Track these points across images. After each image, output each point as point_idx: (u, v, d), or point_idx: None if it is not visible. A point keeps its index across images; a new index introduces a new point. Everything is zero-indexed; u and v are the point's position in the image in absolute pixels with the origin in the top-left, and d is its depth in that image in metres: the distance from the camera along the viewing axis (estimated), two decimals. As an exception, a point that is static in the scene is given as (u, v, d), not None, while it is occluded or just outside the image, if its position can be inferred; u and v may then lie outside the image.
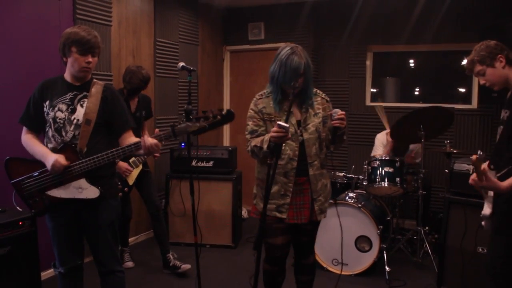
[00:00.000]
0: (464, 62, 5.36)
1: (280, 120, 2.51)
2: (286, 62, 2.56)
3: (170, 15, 5.26)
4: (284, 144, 2.59)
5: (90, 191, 2.49)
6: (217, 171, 4.75)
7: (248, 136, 2.73)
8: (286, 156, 2.65)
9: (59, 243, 2.60)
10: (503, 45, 2.55)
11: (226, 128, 6.62)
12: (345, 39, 5.80)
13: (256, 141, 2.62)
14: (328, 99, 2.83)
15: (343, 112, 2.56)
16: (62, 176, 2.46)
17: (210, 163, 4.76)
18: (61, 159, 2.42)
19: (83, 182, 2.48)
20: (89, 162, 2.45)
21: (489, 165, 2.41)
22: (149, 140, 2.42)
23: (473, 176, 2.30)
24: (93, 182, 2.50)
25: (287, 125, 2.37)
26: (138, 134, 3.60)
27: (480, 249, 3.33)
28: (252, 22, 6.27)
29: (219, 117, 2.41)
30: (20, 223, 2.94)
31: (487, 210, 2.55)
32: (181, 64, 3.43)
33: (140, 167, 3.97)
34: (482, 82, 2.61)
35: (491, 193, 2.52)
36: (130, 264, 4.21)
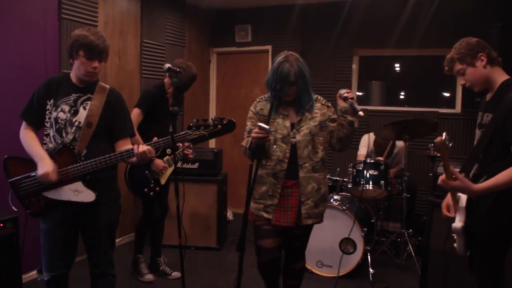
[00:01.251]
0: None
1: (261, 122, 2.54)
2: (277, 69, 2.62)
3: (157, 16, 5.24)
4: (274, 146, 2.65)
5: (85, 195, 2.45)
6: (202, 173, 4.74)
7: (245, 135, 2.79)
8: (276, 157, 2.68)
9: (50, 247, 2.54)
10: (485, 43, 2.41)
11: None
12: (332, 42, 5.83)
13: (244, 142, 2.69)
14: (330, 104, 2.83)
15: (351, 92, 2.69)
16: (56, 181, 2.43)
17: (196, 165, 4.75)
18: (53, 174, 2.38)
19: (79, 185, 2.45)
20: (85, 166, 2.41)
21: (460, 172, 2.32)
22: (142, 147, 2.41)
23: (443, 176, 2.15)
24: (90, 185, 2.46)
25: (268, 127, 2.39)
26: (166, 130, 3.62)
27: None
28: (239, 24, 6.27)
29: (219, 126, 2.41)
30: (1, 224, 2.90)
31: (458, 223, 2.35)
32: (167, 65, 3.43)
33: (173, 167, 3.81)
34: (461, 82, 2.48)
35: (463, 204, 2.35)
36: (150, 277, 3.89)
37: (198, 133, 2.40)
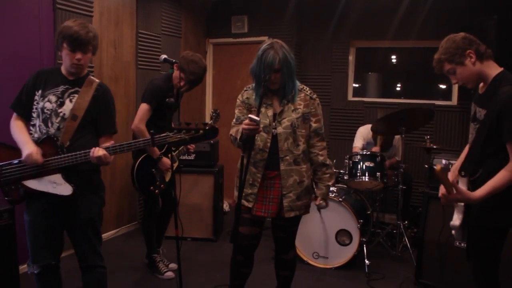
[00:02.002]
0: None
1: (251, 114, 2.54)
2: (261, 57, 2.59)
3: (153, 6, 5.20)
4: (257, 135, 2.63)
5: (63, 188, 2.44)
6: (199, 164, 4.73)
7: (233, 122, 2.78)
8: (256, 146, 2.67)
9: (34, 238, 2.54)
10: (472, 37, 2.34)
11: (208, 121, 6.59)
12: (328, 34, 5.81)
13: (233, 130, 2.69)
14: (315, 96, 2.78)
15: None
16: (40, 168, 2.42)
17: (192, 156, 4.74)
18: (36, 155, 2.37)
19: (58, 177, 2.43)
20: (65, 159, 2.40)
21: (459, 172, 2.34)
22: (99, 151, 2.38)
23: (442, 190, 2.13)
24: (69, 177, 2.45)
25: (258, 118, 2.39)
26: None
27: (457, 243, 3.39)
28: (236, 15, 6.23)
29: (201, 131, 2.39)
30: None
31: (456, 221, 2.38)
32: (163, 56, 3.40)
33: (177, 163, 3.80)
34: (454, 81, 2.43)
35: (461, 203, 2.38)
36: (170, 274, 3.82)
37: (179, 136, 2.38)
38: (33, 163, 2.37)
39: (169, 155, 3.56)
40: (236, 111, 2.82)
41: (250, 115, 2.41)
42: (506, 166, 2.16)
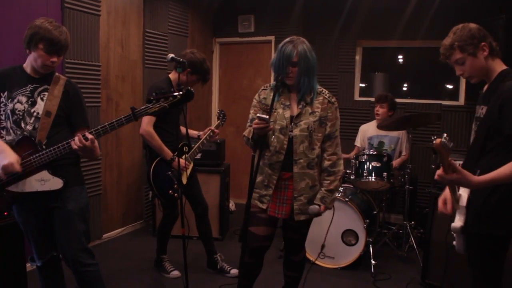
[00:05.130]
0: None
1: (261, 113, 2.53)
2: (280, 49, 2.62)
3: (160, 5, 5.21)
4: (273, 136, 2.63)
5: (53, 183, 2.43)
6: (205, 164, 4.73)
7: (248, 124, 2.77)
8: (273, 148, 2.66)
9: (34, 237, 2.56)
10: (485, 31, 2.23)
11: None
12: (335, 33, 5.80)
13: (246, 131, 2.68)
14: (333, 100, 2.74)
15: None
16: (21, 172, 2.37)
17: (198, 156, 4.73)
18: (16, 164, 2.31)
19: (45, 174, 2.42)
20: (48, 154, 2.37)
21: None
22: (78, 142, 2.31)
23: (439, 170, 1.95)
24: (55, 172, 2.44)
25: (267, 117, 2.39)
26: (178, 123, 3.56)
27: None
28: (242, 14, 6.24)
29: (178, 96, 2.36)
30: (5, 213, 2.91)
31: (458, 223, 2.22)
32: (171, 55, 3.39)
33: (192, 164, 3.72)
34: (458, 72, 2.30)
35: (463, 203, 2.22)
36: (176, 273, 3.82)
37: (158, 105, 2.35)
38: (11, 173, 2.33)
39: (183, 156, 3.46)
40: (251, 111, 2.79)
41: (258, 114, 2.41)
42: None
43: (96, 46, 4.31)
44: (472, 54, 2.21)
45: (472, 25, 2.24)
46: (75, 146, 2.32)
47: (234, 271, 3.84)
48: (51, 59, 2.43)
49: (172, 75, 3.61)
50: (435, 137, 1.83)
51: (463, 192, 2.24)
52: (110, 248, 4.46)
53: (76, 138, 2.32)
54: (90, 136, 2.32)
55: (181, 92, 2.36)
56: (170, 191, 3.47)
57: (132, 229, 5.06)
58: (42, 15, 3.69)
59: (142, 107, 2.35)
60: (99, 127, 2.38)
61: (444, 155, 1.86)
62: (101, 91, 4.42)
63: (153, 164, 3.48)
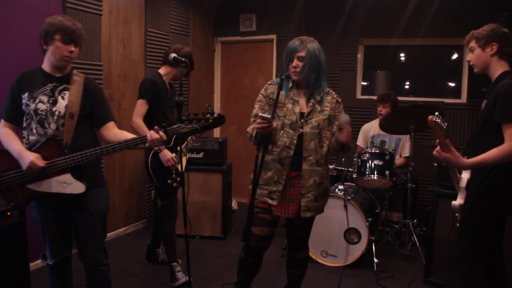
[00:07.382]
0: (455, 56, 5.42)
1: (264, 113, 2.55)
2: (289, 44, 2.71)
3: (162, 5, 5.21)
4: (282, 131, 2.64)
5: (75, 186, 2.44)
6: (207, 163, 4.74)
7: (251, 119, 2.77)
8: (282, 143, 2.67)
9: (50, 236, 2.57)
10: (508, 38, 2.53)
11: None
12: (337, 32, 5.79)
13: (250, 128, 2.69)
14: (340, 100, 2.84)
15: (350, 130, 2.59)
16: (45, 171, 2.39)
17: (200, 155, 4.75)
18: (38, 161, 2.34)
19: (67, 177, 2.42)
20: (79, 157, 2.39)
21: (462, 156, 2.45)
22: (155, 134, 2.39)
23: (438, 147, 2.33)
24: (78, 175, 2.45)
25: (269, 116, 2.40)
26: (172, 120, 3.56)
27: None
28: (244, 13, 6.24)
29: (211, 120, 2.42)
30: (8, 213, 2.92)
31: (458, 200, 2.63)
32: (173, 55, 3.40)
33: (187, 155, 3.75)
34: (468, 58, 2.67)
35: (463, 184, 2.60)
36: (182, 280, 3.62)
37: (190, 126, 2.41)
38: (37, 169, 2.35)
39: (178, 148, 3.46)
40: (256, 106, 2.80)
41: (260, 114, 2.41)
42: (499, 146, 2.32)
43: (97, 46, 4.31)
44: (481, 47, 2.55)
45: (499, 28, 2.55)
46: (156, 136, 2.37)
47: (182, 280, 3.63)
48: (69, 49, 2.44)
49: (162, 70, 3.67)
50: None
51: (464, 175, 2.63)
52: (113, 248, 4.45)
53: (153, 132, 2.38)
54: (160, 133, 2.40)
55: (214, 116, 2.43)
56: (169, 181, 3.53)
57: (135, 229, 5.06)
58: (44, 15, 3.69)
59: (175, 126, 2.42)
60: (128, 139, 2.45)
61: (438, 131, 2.21)
62: (103, 91, 4.41)
63: (150, 155, 3.53)
